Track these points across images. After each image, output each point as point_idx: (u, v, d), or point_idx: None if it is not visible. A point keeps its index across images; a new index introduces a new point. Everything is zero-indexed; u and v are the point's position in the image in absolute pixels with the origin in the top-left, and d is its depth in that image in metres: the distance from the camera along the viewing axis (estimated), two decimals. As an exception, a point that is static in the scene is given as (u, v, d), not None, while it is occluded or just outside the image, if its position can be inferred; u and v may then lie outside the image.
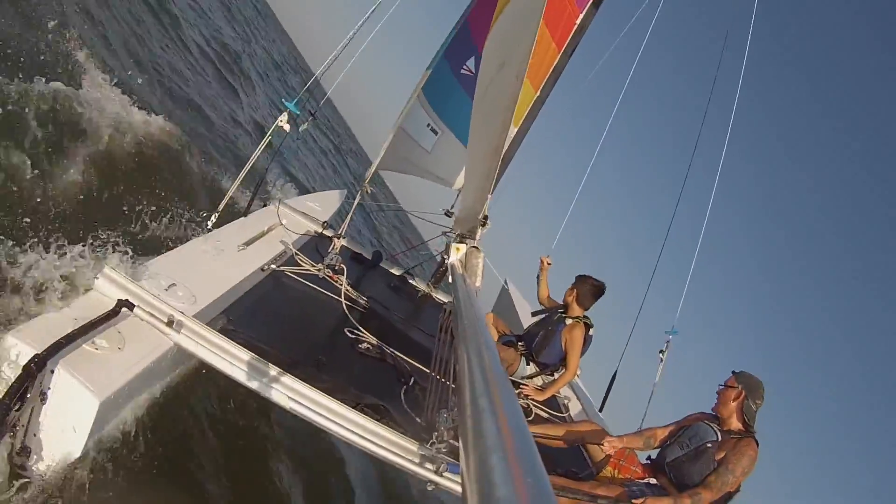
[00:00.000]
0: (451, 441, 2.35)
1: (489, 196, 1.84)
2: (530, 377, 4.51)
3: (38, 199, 3.86)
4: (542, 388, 4.33)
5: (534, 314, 4.80)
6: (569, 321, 4.28)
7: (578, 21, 4.70)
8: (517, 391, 4.20)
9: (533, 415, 4.00)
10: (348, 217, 4.97)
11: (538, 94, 4.92)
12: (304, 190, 10.72)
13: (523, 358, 4.50)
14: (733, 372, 3.14)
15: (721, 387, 3.10)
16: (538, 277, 4.83)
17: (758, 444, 2.89)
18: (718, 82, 5.20)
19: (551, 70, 4.83)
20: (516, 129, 5.08)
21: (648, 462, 3.22)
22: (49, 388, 1.93)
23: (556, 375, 4.42)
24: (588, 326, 4.30)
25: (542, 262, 4.89)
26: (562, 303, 4.49)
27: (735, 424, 2.98)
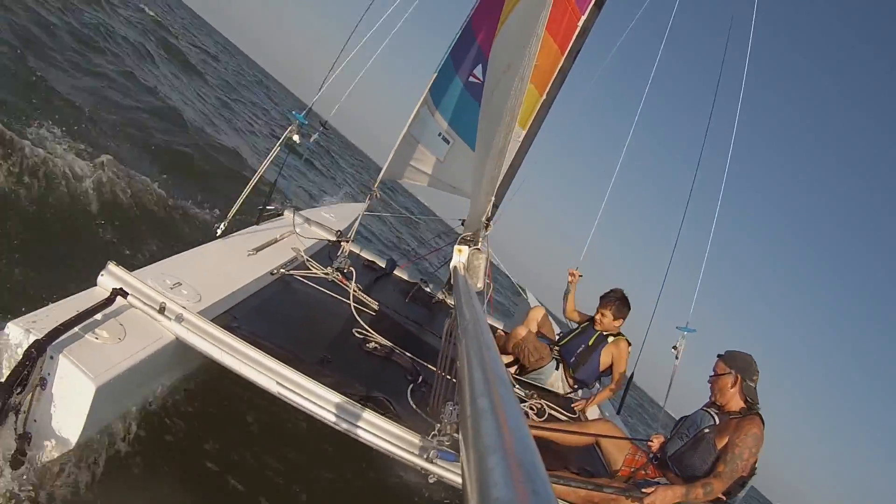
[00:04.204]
0: (455, 434, 2.32)
1: (491, 199, 1.84)
2: (566, 395, 4.49)
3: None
4: (585, 400, 4.38)
5: (560, 338, 4.68)
6: (611, 339, 4.35)
7: (581, 23, 4.70)
8: (530, 392, 4.15)
9: (546, 415, 3.96)
10: (356, 221, 4.96)
11: (544, 97, 4.92)
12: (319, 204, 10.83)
13: (555, 360, 4.48)
14: (719, 356, 3.01)
15: (713, 376, 2.98)
16: (566, 291, 4.70)
17: (762, 420, 2.77)
18: (729, 71, 5.09)
19: (556, 73, 4.82)
20: (524, 133, 5.07)
21: (654, 461, 3.14)
22: (48, 375, 1.97)
23: (592, 390, 4.53)
24: (628, 342, 4.39)
25: (570, 275, 4.75)
26: (595, 323, 4.44)
27: (737, 405, 2.89)
